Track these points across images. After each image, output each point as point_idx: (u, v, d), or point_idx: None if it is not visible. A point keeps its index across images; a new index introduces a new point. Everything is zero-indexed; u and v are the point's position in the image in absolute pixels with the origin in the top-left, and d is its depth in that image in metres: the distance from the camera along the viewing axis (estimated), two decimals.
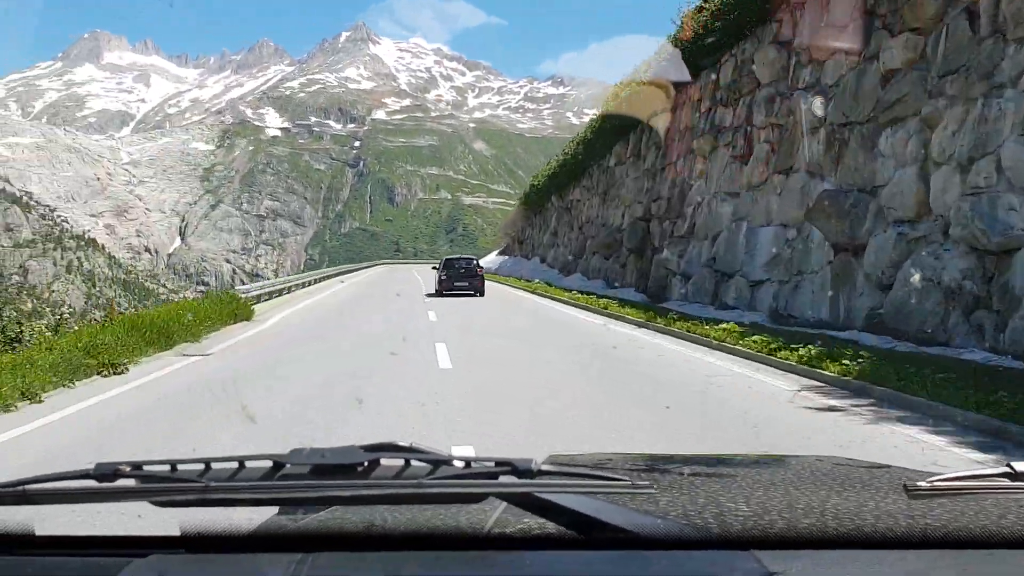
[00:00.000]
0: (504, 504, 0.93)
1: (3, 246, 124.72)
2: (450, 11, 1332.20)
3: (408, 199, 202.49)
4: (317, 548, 0.88)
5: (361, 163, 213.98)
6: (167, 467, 0.88)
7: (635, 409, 5.81)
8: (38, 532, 0.93)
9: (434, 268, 26.51)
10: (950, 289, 8.88)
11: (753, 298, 14.00)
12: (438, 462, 0.87)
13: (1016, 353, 7.57)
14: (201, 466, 0.88)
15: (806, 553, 0.87)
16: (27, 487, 0.87)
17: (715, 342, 9.62)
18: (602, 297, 18.05)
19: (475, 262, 24.77)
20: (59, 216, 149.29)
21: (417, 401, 6.11)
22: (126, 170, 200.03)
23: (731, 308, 14.43)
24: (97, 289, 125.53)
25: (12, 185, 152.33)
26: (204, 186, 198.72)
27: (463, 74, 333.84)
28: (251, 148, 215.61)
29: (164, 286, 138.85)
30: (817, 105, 14.41)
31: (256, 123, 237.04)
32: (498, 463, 0.86)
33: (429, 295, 23.38)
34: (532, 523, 0.90)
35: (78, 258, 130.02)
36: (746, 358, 8.66)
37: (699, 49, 18.01)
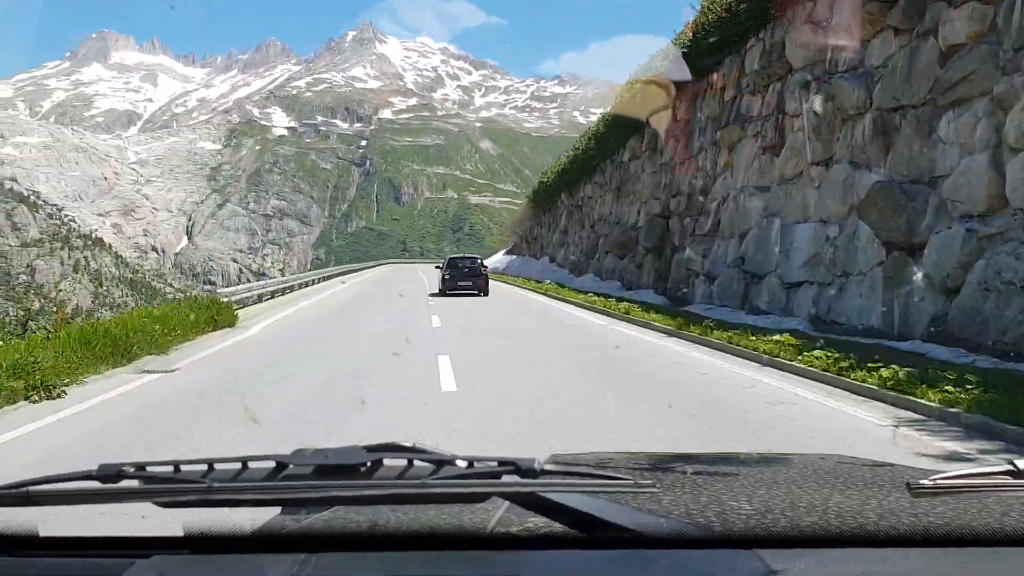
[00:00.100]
0: (507, 504, 0.93)
1: (11, 245, 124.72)
2: (450, 11, 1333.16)
3: (415, 198, 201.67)
4: (320, 548, 0.88)
5: (367, 162, 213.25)
6: (170, 468, 0.88)
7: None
8: (41, 533, 0.93)
9: (437, 268, 25.85)
10: None
11: (789, 302, 12.69)
12: (441, 462, 0.86)
13: None
14: (204, 467, 0.88)
15: (809, 552, 0.86)
16: (30, 488, 0.87)
17: (766, 357, 8.25)
18: (620, 300, 16.69)
19: (479, 261, 24.54)
20: (66, 215, 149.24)
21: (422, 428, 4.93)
22: (133, 169, 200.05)
23: (764, 313, 13.14)
24: (104, 288, 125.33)
25: (20, 184, 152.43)
26: (211, 185, 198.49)
27: (469, 73, 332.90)
28: (258, 147, 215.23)
29: (171, 285, 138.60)
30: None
31: (263, 122, 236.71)
32: (501, 463, 0.85)
33: (432, 295, 22.90)
34: (535, 523, 0.90)
35: (85, 257, 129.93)
36: (810, 378, 7.19)
37: (722, 31, 16.77)
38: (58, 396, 6.18)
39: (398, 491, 0.83)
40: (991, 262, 8.36)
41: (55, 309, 9.61)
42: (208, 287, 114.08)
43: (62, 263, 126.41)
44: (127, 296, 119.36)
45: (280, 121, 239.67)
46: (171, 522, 0.93)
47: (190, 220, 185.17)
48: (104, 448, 4.79)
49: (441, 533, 0.91)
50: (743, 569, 0.83)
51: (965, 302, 8.65)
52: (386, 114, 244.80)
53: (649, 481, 0.91)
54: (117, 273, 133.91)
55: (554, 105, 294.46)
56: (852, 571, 0.83)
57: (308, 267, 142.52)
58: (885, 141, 11.01)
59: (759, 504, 0.98)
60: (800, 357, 7.43)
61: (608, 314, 15.18)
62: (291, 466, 0.86)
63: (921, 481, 0.94)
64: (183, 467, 0.88)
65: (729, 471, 1.27)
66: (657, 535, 0.87)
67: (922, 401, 5.61)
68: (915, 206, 9.78)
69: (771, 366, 7.93)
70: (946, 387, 5.51)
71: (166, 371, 7.52)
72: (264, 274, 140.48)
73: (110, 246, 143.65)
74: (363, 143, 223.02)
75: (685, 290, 17.46)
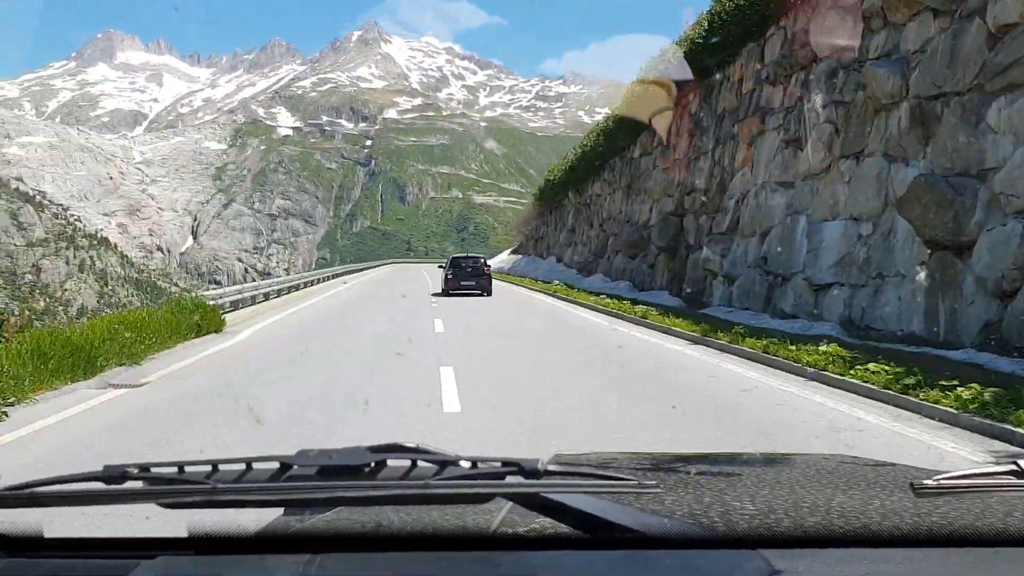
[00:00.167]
0: (511, 504, 0.93)
1: (16, 245, 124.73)
2: (451, 12, 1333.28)
3: (419, 198, 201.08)
4: (324, 549, 0.88)
5: (372, 162, 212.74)
6: (174, 469, 0.88)
7: None
8: (47, 534, 0.94)
9: (440, 267, 25.52)
10: None
11: (818, 305, 11.83)
12: (444, 463, 0.86)
13: None
14: (208, 468, 0.88)
15: (812, 552, 0.86)
16: (35, 489, 0.87)
17: (811, 370, 7.22)
18: (636, 302, 15.77)
19: (482, 261, 24.16)
20: (72, 215, 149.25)
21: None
22: (139, 169, 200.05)
23: (790, 316, 12.27)
24: (110, 288, 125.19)
25: (25, 184, 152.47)
26: (216, 185, 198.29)
27: (475, 73, 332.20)
28: (263, 147, 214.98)
29: (176, 285, 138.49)
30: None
31: (268, 122, 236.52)
32: (504, 463, 0.85)
33: (435, 294, 22.40)
34: (539, 523, 0.90)
35: (91, 257, 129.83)
36: (867, 397, 6.21)
37: (740, 20, 15.94)
38: None
39: (402, 492, 0.83)
40: None
41: (6, 318, 8.72)
42: (214, 287, 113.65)
43: (67, 263, 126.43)
44: (132, 296, 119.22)
45: (285, 121, 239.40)
46: (175, 523, 0.92)
47: (195, 220, 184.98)
48: None
49: (445, 534, 0.91)
50: (746, 569, 0.83)
51: (1023, 306, 7.80)
52: (391, 114, 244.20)
53: (652, 481, 0.90)
54: (122, 273, 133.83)
55: (559, 105, 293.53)
56: (855, 571, 0.83)
57: (313, 267, 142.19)
58: (924, 131, 10.16)
59: (762, 504, 0.98)
60: (852, 371, 6.51)
61: (623, 318, 14.29)
62: (295, 467, 0.86)
63: (924, 481, 0.93)
64: (187, 468, 0.88)
65: (732, 471, 1.26)
66: (660, 535, 0.87)
67: (1020, 430, 4.64)
68: (963, 201, 8.92)
69: (817, 380, 6.99)
70: None
71: (133, 385, 6.68)
72: (269, 274, 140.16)
73: (115, 246, 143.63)
74: (368, 143, 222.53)
75: (703, 292, 16.59)
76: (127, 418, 5.60)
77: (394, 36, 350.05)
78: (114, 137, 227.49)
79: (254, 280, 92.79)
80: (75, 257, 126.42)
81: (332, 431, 5.17)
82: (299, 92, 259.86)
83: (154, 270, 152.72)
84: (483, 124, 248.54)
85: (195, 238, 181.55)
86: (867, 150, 11.40)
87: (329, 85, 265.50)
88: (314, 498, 0.85)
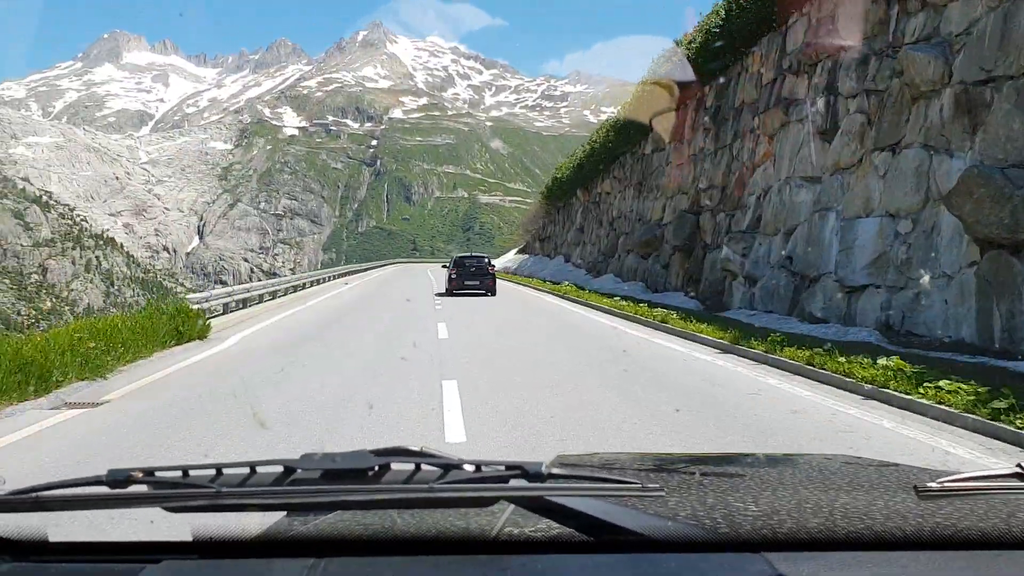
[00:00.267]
0: (514, 507, 0.93)
1: (23, 245, 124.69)
2: (453, 13, 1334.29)
3: (425, 198, 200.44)
4: (328, 553, 0.88)
5: (378, 162, 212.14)
6: (179, 473, 0.88)
7: None
8: (51, 538, 0.93)
9: (444, 267, 25.02)
10: None
11: (851, 308, 10.95)
12: (448, 466, 0.86)
13: None
14: (212, 472, 0.88)
15: (815, 555, 0.86)
16: (40, 494, 0.87)
17: (867, 386, 6.26)
18: (652, 305, 14.87)
19: (487, 260, 23.68)
20: (78, 215, 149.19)
21: None
22: (145, 169, 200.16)
23: (819, 320, 11.40)
24: (116, 288, 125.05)
25: (32, 184, 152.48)
26: (222, 185, 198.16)
27: (480, 73, 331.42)
28: (269, 147, 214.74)
29: (182, 285, 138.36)
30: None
31: (274, 122, 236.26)
32: (508, 467, 0.85)
33: (439, 294, 21.88)
34: (542, 526, 0.90)
35: (97, 257, 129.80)
36: (945, 421, 5.34)
37: (760, 5, 15.08)
38: None
39: (405, 495, 0.84)
40: None
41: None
42: (220, 286, 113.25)
43: (73, 263, 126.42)
44: (139, 296, 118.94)
45: (291, 121, 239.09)
46: (180, 527, 0.91)
47: (201, 220, 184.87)
48: None
49: (448, 537, 0.91)
50: (750, 572, 0.83)
51: None
52: (396, 114, 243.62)
53: (656, 484, 0.90)
54: (129, 273, 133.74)
55: (564, 104, 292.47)
56: (858, 575, 0.83)
57: (319, 266, 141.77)
58: (971, 120, 9.29)
59: (765, 506, 0.98)
60: (920, 389, 5.58)
61: (641, 322, 13.39)
62: (299, 471, 0.86)
63: (928, 483, 0.93)
64: (191, 472, 0.88)
65: (735, 472, 1.25)
66: (664, 538, 0.87)
67: None
68: (1022, 195, 8.04)
69: (875, 399, 6.06)
70: None
71: (92, 404, 5.85)
72: (275, 273, 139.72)
73: (122, 246, 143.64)
74: (374, 143, 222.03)
75: (721, 293, 15.71)
76: (74, 446, 4.75)
77: (400, 36, 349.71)
78: (120, 137, 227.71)
79: (260, 280, 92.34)
80: (81, 257, 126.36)
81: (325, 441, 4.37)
82: (305, 92, 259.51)
83: (160, 270, 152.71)
84: (488, 124, 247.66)
85: (201, 238, 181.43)
86: (904, 141, 10.53)
87: (335, 85, 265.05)
88: (318, 502, 0.86)
